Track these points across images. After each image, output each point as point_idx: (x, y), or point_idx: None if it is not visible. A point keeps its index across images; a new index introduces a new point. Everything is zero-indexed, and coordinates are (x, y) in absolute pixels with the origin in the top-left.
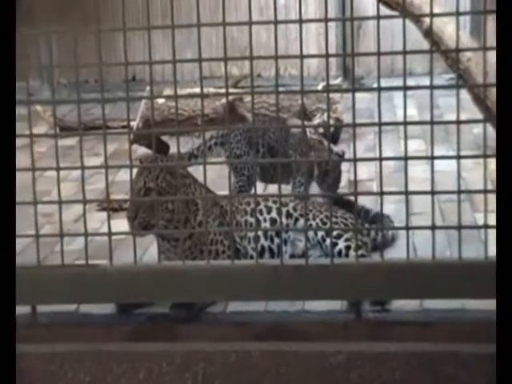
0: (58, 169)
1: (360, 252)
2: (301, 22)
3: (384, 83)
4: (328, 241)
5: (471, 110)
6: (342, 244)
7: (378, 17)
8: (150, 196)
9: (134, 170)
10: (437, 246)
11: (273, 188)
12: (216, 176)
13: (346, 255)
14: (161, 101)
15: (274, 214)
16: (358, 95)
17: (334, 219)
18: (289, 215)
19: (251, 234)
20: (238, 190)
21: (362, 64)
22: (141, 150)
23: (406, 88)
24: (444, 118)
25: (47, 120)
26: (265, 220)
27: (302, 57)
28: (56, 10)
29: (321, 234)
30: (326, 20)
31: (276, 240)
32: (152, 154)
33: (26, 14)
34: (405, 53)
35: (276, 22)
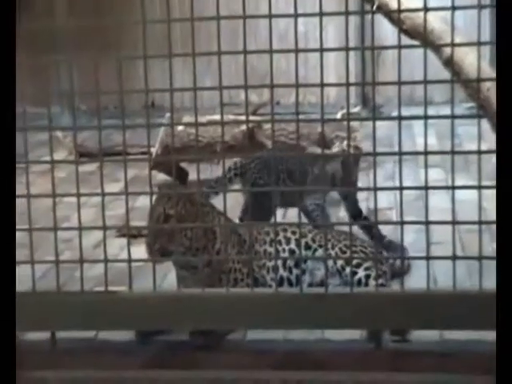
0: (78, 195)
1: (380, 281)
2: (321, 50)
3: (403, 112)
4: (348, 269)
5: (491, 140)
6: (361, 273)
7: (399, 46)
8: (169, 223)
9: (154, 197)
10: (457, 276)
11: (291, 215)
12: (235, 203)
13: (366, 284)
14: (180, 127)
15: (292, 246)
16: (377, 123)
17: (353, 248)
18: (308, 247)
19: (270, 264)
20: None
21: (381, 92)
22: (160, 177)
23: (426, 117)
24: (463, 147)
25: (67, 146)
26: (283, 251)
27: (322, 85)
28: (77, 37)
29: (340, 262)
30: (347, 49)
31: (295, 271)
32: (171, 181)
33: (48, 41)
34: (425, 82)
35: (297, 51)
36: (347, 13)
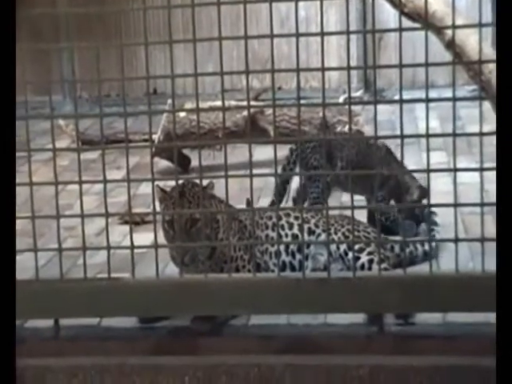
0: (80, 182)
1: (383, 266)
2: (323, 34)
3: (405, 95)
4: (350, 254)
5: (493, 122)
6: (364, 258)
7: (401, 29)
8: (195, 227)
9: (157, 183)
10: (460, 258)
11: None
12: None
13: (369, 269)
14: (182, 114)
15: (295, 231)
16: (379, 107)
17: (356, 233)
18: (311, 232)
19: (272, 249)
20: (313, 201)
21: (383, 76)
22: (162, 163)
23: (428, 100)
24: (466, 129)
25: (69, 134)
26: (286, 236)
27: (323, 69)
28: (78, 26)
29: (343, 247)
30: (348, 33)
31: (297, 256)
32: (191, 181)
33: (49, 29)
34: (427, 65)
35: (298, 35)
36: None
